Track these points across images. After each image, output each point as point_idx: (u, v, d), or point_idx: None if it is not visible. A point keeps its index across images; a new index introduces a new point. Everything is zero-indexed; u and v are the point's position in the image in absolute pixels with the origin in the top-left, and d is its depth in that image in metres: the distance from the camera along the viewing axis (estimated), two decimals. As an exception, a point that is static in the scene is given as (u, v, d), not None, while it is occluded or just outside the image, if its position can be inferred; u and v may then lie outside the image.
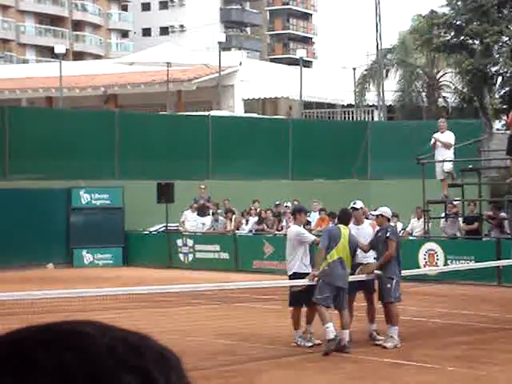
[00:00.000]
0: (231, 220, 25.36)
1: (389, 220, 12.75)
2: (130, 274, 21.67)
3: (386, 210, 12.56)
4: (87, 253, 24.83)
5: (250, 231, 24.92)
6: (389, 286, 11.76)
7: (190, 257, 24.31)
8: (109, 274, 21.90)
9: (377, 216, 12.59)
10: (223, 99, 40.84)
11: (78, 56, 69.43)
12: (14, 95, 43.18)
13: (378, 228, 12.53)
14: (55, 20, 72.82)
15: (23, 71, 48.21)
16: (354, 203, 12.95)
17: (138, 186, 25.36)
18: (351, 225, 12.50)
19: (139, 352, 0.90)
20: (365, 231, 12.76)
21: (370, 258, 12.71)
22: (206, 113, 32.31)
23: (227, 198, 25.88)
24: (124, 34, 78.88)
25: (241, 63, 43.70)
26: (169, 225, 25.27)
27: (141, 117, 29.99)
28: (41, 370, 0.85)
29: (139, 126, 27.43)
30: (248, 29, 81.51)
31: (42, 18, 72.53)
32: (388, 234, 12.15)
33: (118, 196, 25.35)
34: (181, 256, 24.44)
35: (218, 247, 23.95)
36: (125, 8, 78.96)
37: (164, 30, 76.77)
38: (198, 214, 25.62)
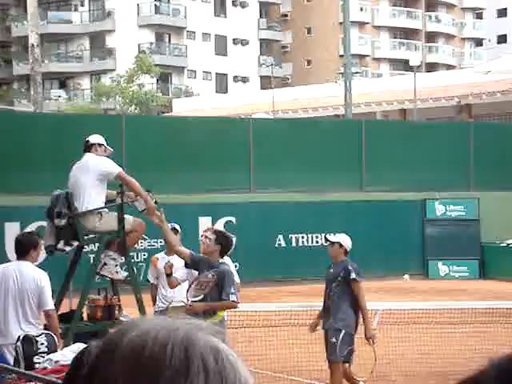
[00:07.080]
0: None
1: (346, 252, 9.37)
2: (487, 288, 21.19)
3: (345, 239, 9.43)
4: (443, 265, 24.71)
5: None
6: (334, 340, 9.10)
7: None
8: (464, 286, 21.61)
9: (331, 243, 9.39)
10: None
11: (431, 67, 69.65)
12: (369, 109, 44.45)
13: None
14: (409, 33, 73.86)
15: (378, 85, 49.48)
16: None
17: (495, 197, 24.74)
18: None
19: None
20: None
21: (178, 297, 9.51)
22: None
23: None
24: (478, 42, 77.56)
25: None
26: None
27: (496, 127, 29.10)
28: None
29: (495, 136, 26.74)
30: None
31: (396, 32, 73.95)
32: (353, 275, 9.06)
33: (473, 207, 24.94)
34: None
35: None
36: (479, 16, 77.62)
37: (520, 36, 74.19)
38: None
